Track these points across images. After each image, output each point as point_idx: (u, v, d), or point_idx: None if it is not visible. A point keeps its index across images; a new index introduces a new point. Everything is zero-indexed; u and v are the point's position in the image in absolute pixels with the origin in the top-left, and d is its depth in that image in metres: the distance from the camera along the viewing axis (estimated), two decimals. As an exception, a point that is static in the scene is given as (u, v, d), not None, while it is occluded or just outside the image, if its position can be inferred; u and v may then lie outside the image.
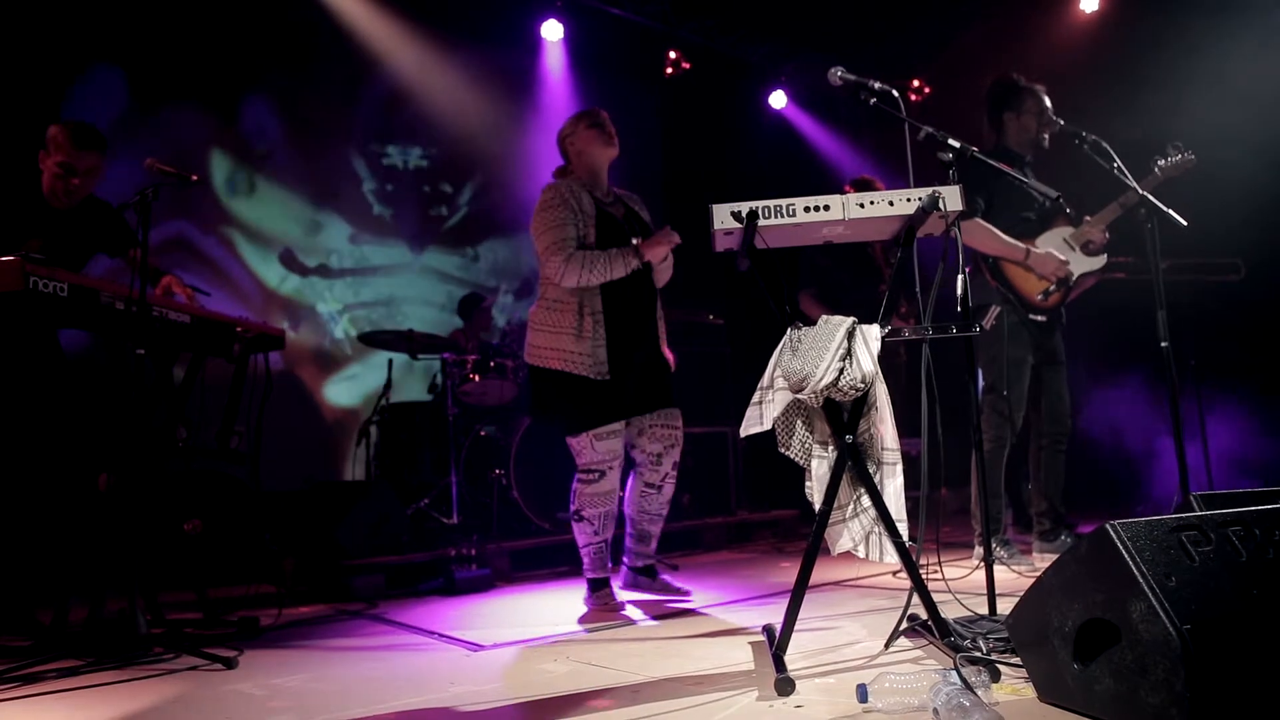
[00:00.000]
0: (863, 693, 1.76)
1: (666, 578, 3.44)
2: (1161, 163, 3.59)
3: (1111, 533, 1.57)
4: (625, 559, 3.49)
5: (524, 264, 7.21)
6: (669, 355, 3.47)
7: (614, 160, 3.43)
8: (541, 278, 3.33)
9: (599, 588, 3.31)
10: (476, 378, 5.07)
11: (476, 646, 2.69)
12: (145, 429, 2.91)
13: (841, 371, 2.15)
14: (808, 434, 2.29)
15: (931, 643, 2.26)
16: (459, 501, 4.76)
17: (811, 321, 2.30)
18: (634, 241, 3.27)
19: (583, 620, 3.09)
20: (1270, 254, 4.72)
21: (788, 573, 3.99)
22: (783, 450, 2.30)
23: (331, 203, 6.30)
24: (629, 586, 3.46)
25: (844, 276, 4.67)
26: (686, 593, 3.38)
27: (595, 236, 3.24)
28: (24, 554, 3.05)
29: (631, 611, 3.17)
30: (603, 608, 3.24)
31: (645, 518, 3.40)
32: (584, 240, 3.22)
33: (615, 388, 3.20)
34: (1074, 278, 3.79)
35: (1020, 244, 3.74)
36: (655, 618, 3.05)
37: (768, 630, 2.53)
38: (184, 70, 5.44)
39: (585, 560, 3.34)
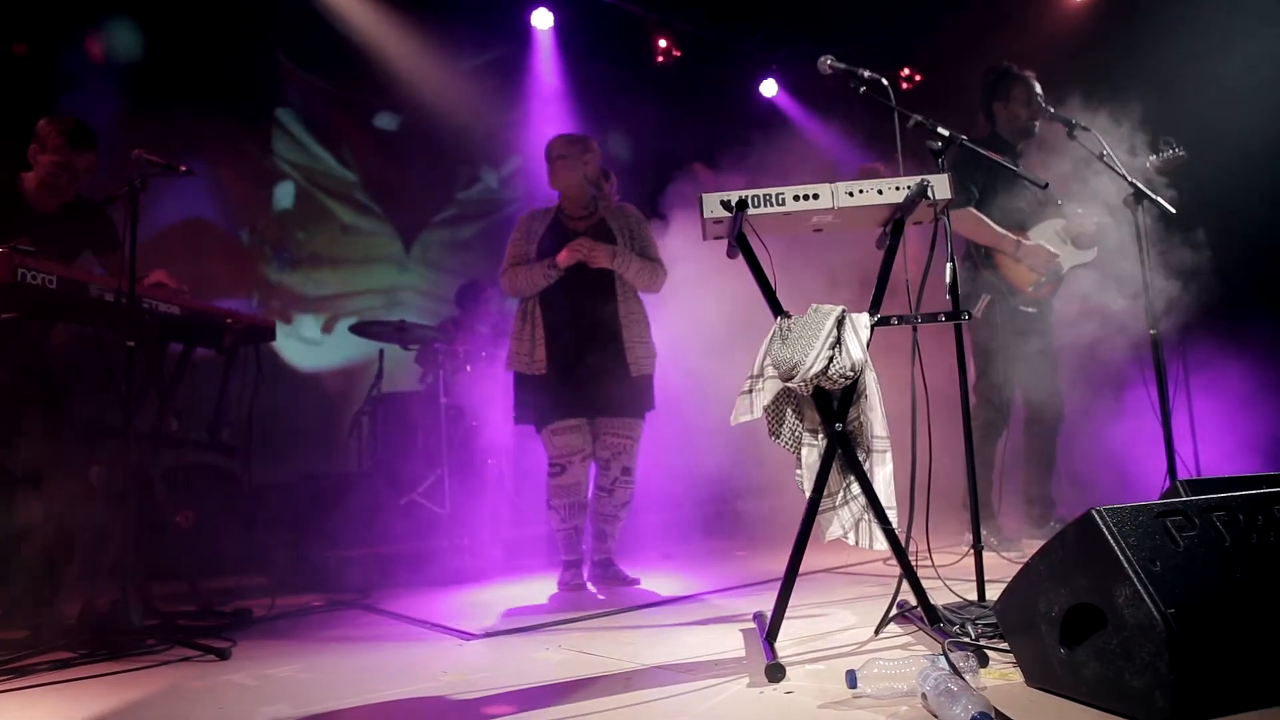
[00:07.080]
0: (852, 679, 1.77)
1: (619, 568, 3.61)
2: (1153, 158, 3.60)
3: (1097, 518, 1.58)
4: (589, 554, 3.66)
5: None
6: (641, 361, 3.54)
7: (576, 184, 3.59)
8: None
9: (567, 568, 3.54)
10: (469, 368, 5.07)
11: (468, 635, 2.70)
12: (136, 421, 2.89)
13: (831, 359, 2.15)
14: (797, 422, 2.30)
15: (921, 629, 2.28)
16: (451, 492, 4.77)
17: None
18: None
19: (552, 598, 3.37)
20: (1265, 244, 4.71)
21: (778, 560, 4.00)
22: (772, 438, 2.31)
23: (323, 192, 6.26)
24: (591, 579, 3.61)
25: None
26: (635, 580, 3.57)
27: (537, 252, 3.55)
28: (16, 547, 3.04)
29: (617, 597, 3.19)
30: (567, 586, 3.47)
31: (601, 518, 3.63)
32: (526, 257, 3.57)
33: (560, 386, 3.45)
34: (1064, 270, 3.80)
35: (1011, 235, 3.74)
36: (645, 606, 3.06)
37: (758, 617, 2.55)
38: (173, 61, 5.40)
39: (558, 542, 3.61)
